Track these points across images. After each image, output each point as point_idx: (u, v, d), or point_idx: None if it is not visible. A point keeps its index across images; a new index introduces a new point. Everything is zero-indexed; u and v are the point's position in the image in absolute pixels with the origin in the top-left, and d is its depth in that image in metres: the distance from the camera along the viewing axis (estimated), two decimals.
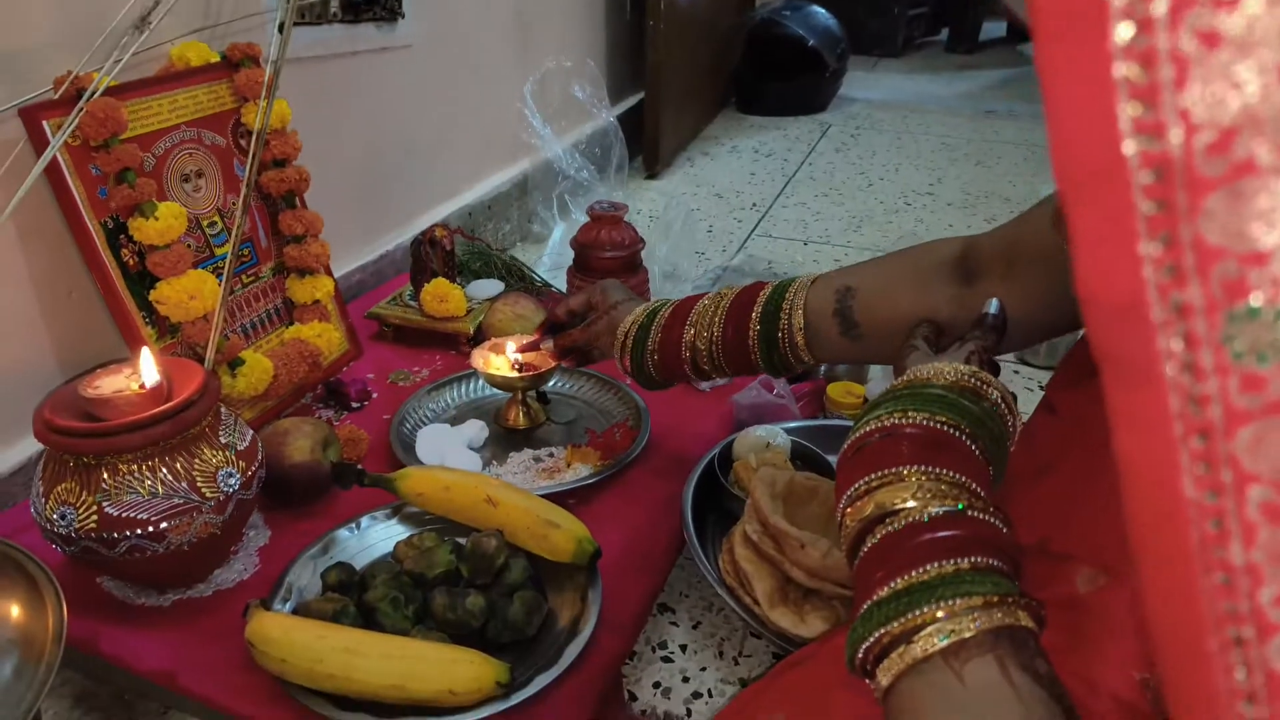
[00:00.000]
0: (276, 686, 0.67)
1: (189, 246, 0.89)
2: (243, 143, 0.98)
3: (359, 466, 0.84)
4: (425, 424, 1.01)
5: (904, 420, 0.52)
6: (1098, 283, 0.21)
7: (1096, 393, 0.52)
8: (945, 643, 0.40)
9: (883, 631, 0.42)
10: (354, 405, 1.05)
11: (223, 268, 0.94)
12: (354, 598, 0.73)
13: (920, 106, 2.96)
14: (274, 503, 0.86)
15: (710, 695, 0.79)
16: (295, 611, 0.71)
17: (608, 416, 1.05)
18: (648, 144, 2.14)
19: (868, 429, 0.53)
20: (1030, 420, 0.57)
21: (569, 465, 0.94)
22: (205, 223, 0.95)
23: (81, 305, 0.92)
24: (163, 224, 0.84)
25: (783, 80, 2.76)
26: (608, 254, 1.31)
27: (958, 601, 0.41)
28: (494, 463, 0.96)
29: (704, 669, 0.81)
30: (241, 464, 0.75)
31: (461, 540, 0.78)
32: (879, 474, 0.49)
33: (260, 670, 0.67)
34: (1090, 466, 0.49)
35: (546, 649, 0.72)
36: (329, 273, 1.06)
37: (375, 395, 1.08)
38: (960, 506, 0.46)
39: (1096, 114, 0.19)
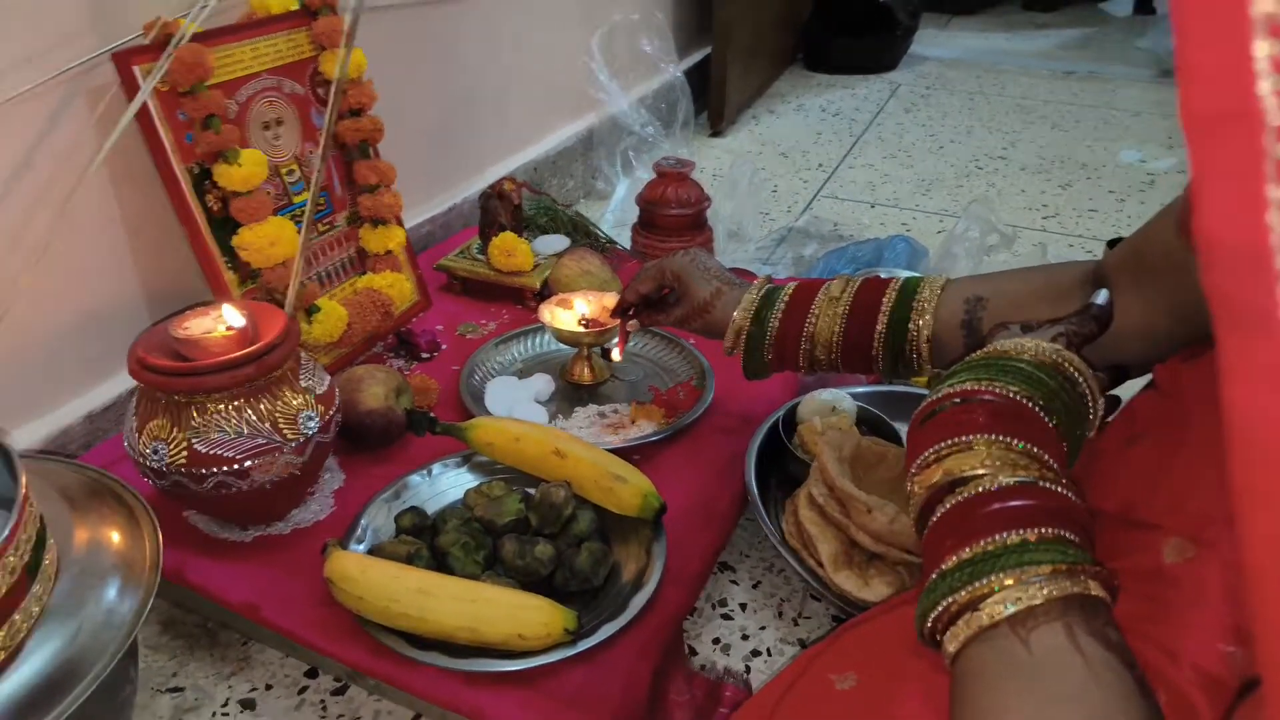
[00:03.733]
0: (353, 623, 0.69)
1: (269, 194, 0.91)
2: (320, 91, 1.00)
3: (431, 415, 0.86)
4: (493, 376, 1.02)
5: (978, 388, 0.51)
6: (1219, 225, 0.20)
7: (1201, 369, 0.51)
8: (1012, 610, 0.40)
9: (951, 600, 0.42)
10: (424, 355, 1.07)
11: (300, 215, 0.96)
12: (426, 541, 0.75)
13: (995, 66, 2.86)
14: (348, 447, 0.89)
15: (769, 654, 0.80)
16: (370, 552, 0.73)
17: (671, 375, 1.05)
18: (713, 100, 2.11)
19: (941, 395, 0.53)
20: (1132, 400, 0.56)
21: (633, 422, 0.95)
22: (284, 170, 0.96)
23: (169, 248, 0.95)
24: (246, 170, 0.86)
25: (852, 37, 2.69)
26: (673, 211, 1.31)
27: (1026, 570, 0.41)
28: (559, 416, 0.97)
29: (763, 628, 0.82)
30: (320, 408, 0.77)
31: (530, 490, 0.80)
32: (950, 442, 0.49)
33: (337, 607, 0.70)
34: (1182, 436, 0.48)
35: (612, 600, 0.73)
36: (401, 224, 1.08)
37: (444, 346, 1.09)
38: (1032, 477, 0.45)
39: (1230, 51, 0.19)
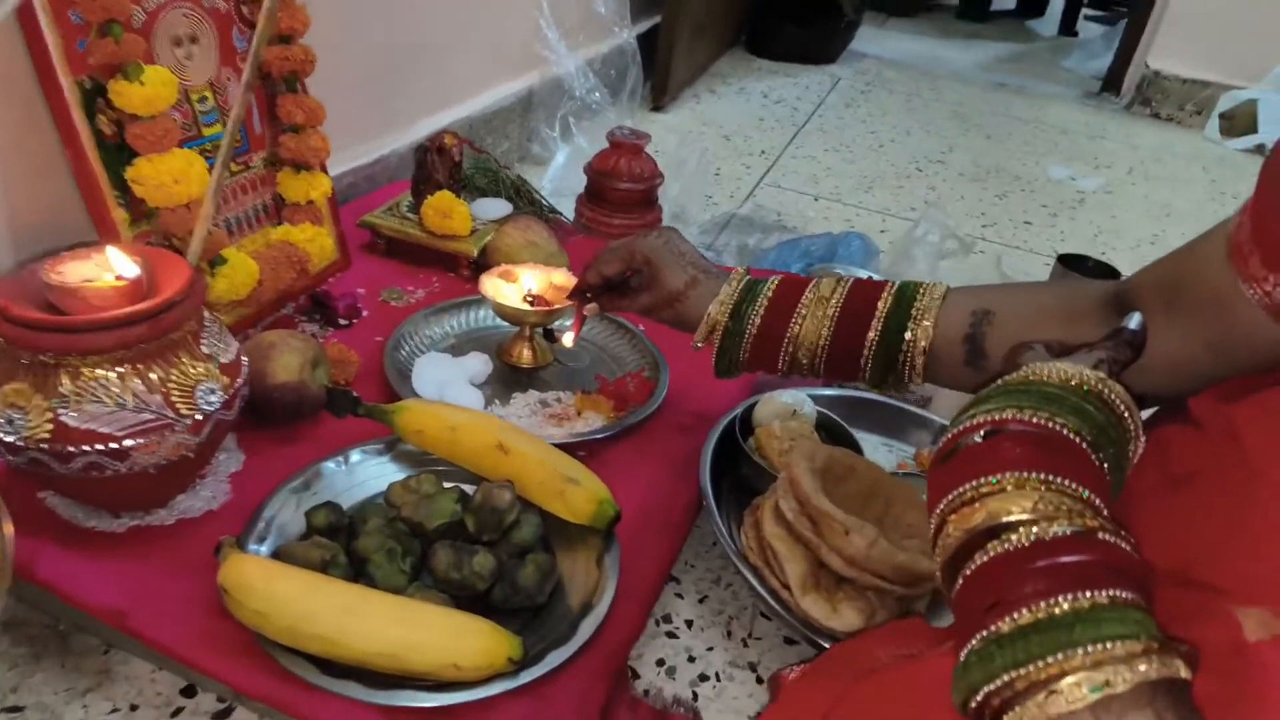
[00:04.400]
0: (245, 637, 0.59)
1: (175, 121, 0.77)
2: (245, 9, 0.86)
3: (354, 394, 0.75)
4: (422, 351, 0.91)
5: (1018, 417, 0.45)
6: None
7: (1257, 410, 0.46)
8: (1096, 696, 0.34)
9: (1014, 675, 0.36)
10: (341, 322, 0.95)
11: (210, 150, 0.82)
12: (342, 544, 0.65)
13: (931, 70, 2.86)
14: (249, 423, 0.77)
15: (718, 679, 0.72)
16: (276, 555, 0.62)
17: (620, 364, 0.96)
18: (659, 73, 2.02)
19: (971, 423, 0.46)
20: (1160, 431, 0.51)
21: (579, 413, 0.86)
22: (195, 97, 0.82)
23: (46, 175, 0.80)
24: (150, 90, 0.72)
25: (797, 24, 2.63)
26: (624, 185, 1.22)
27: (1106, 646, 0.35)
28: (496, 402, 0.87)
29: (710, 649, 0.75)
30: (224, 379, 0.65)
31: (466, 488, 0.70)
32: (990, 479, 0.43)
33: (228, 617, 0.59)
34: (1248, 487, 0.43)
35: (557, 620, 0.64)
36: (326, 171, 0.95)
37: (365, 313, 0.98)
38: (1087, 527, 0.40)
39: None
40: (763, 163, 1.88)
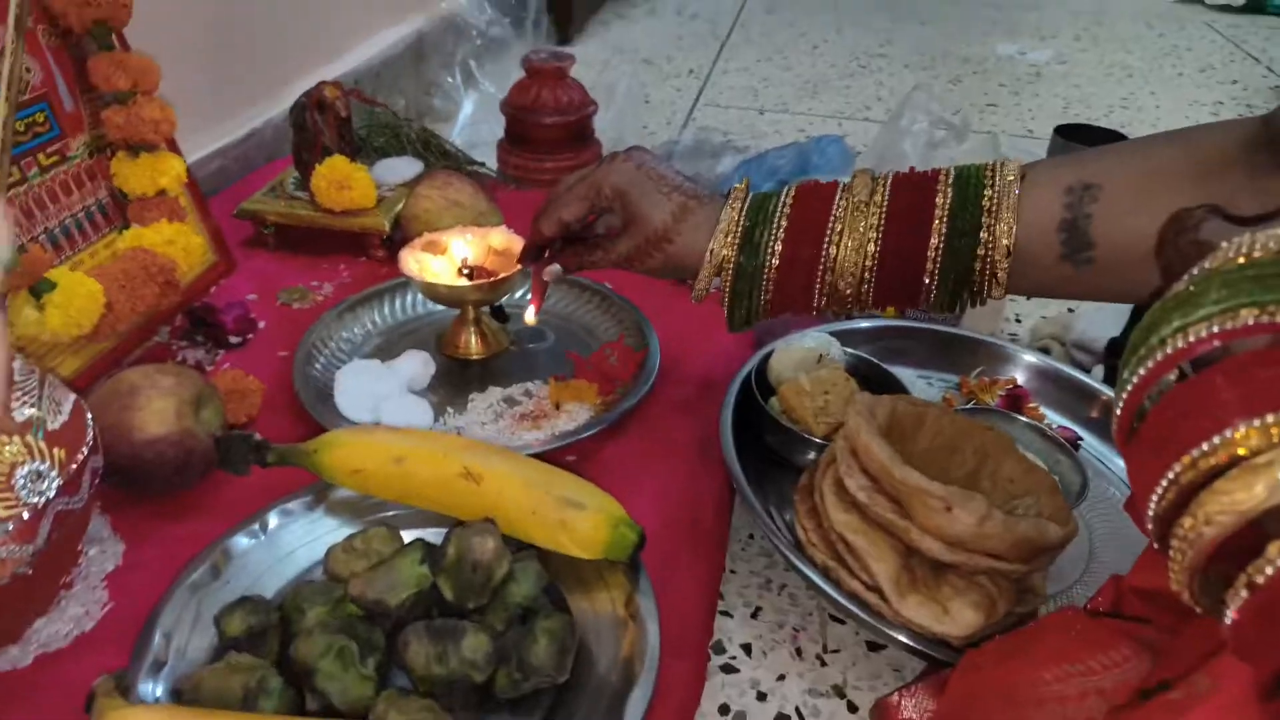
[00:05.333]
0: None
1: None
2: None
3: (255, 436, 0.55)
4: (342, 361, 0.72)
5: (1270, 320, 0.28)
6: None
7: None
8: None
9: None
10: (232, 340, 0.74)
11: None
12: (272, 653, 0.46)
13: None
14: (122, 496, 0.57)
15: (800, 716, 0.56)
16: (178, 696, 0.43)
17: (592, 334, 0.78)
18: (560, 2, 1.80)
19: (1185, 342, 0.29)
20: None
21: (557, 406, 0.68)
22: None
23: None
24: None
25: None
26: (550, 119, 1.03)
27: None
28: (449, 410, 0.68)
29: (781, 677, 0.58)
30: (59, 453, 0.45)
31: (431, 536, 0.51)
32: (1254, 423, 0.26)
33: None
34: None
35: (590, 701, 0.47)
36: (176, 149, 0.74)
37: (262, 324, 0.77)
38: None
39: None
40: (694, 83, 1.69)
